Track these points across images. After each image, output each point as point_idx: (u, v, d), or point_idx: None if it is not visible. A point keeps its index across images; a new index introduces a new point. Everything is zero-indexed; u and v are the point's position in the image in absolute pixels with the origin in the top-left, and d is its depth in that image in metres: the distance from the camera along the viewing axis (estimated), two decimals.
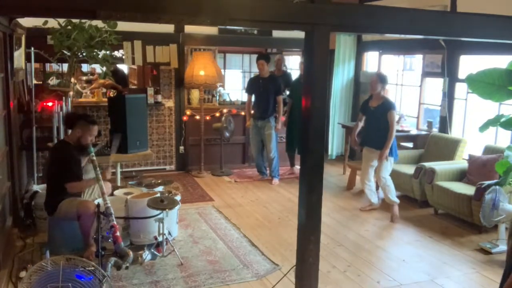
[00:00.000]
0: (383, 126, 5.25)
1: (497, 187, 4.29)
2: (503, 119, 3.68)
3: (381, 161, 5.28)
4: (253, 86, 6.88)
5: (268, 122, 6.73)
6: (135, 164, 7.01)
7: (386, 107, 5.28)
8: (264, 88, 6.68)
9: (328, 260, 4.30)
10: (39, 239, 4.53)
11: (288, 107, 6.96)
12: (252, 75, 8.77)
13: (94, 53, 5.06)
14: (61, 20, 4.88)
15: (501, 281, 2.98)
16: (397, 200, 5.44)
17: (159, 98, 7.12)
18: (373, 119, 5.41)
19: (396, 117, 5.46)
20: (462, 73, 6.08)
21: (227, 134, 7.15)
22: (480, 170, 5.28)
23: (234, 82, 10.09)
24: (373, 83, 5.41)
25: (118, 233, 3.69)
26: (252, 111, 6.96)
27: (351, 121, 7.90)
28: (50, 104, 5.30)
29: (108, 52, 5.24)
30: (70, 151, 4.13)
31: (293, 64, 9.39)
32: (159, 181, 4.84)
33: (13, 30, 4.80)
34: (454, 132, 6.27)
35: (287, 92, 7.16)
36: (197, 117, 7.15)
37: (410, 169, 5.85)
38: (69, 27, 4.89)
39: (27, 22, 5.45)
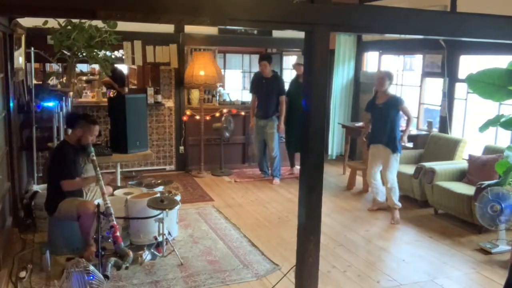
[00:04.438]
0: (389, 122, 5.27)
1: (507, 192, 4.27)
2: (503, 119, 3.68)
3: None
4: (256, 85, 6.89)
5: (271, 121, 6.75)
6: (135, 164, 7.01)
7: (395, 103, 5.30)
8: (268, 88, 6.71)
9: (328, 260, 4.30)
10: (39, 239, 4.53)
11: (286, 107, 6.97)
12: (252, 76, 8.74)
13: (94, 53, 5.06)
14: (61, 20, 4.88)
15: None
16: (399, 204, 5.39)
17: (159, 98, 7.12)
18: (380, 116, 5.39)
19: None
20: (462, 73, 6.08)
21: (227, 134, 7.15)
22: (480, 170, 5.27)
23: (234, 82, 10.09)
24: (381, 80, 5.37)
25: (118, 233, 3.69)
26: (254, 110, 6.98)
27: (351, 121, 7.90)
28: (50, 104, 5.30)
29: (108, 52, 5.23)
30: (66, 150, 4.14)
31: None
32: (159, 181, 4.84)
33: (13, 30, 4.79)
34: (454, 132, 6.26)
35: None
36: (197, 117, 7.15)
37: (410, 169, 5.85)
38: (69, 27, 4.89)
39: (27, 22, 5.44)
